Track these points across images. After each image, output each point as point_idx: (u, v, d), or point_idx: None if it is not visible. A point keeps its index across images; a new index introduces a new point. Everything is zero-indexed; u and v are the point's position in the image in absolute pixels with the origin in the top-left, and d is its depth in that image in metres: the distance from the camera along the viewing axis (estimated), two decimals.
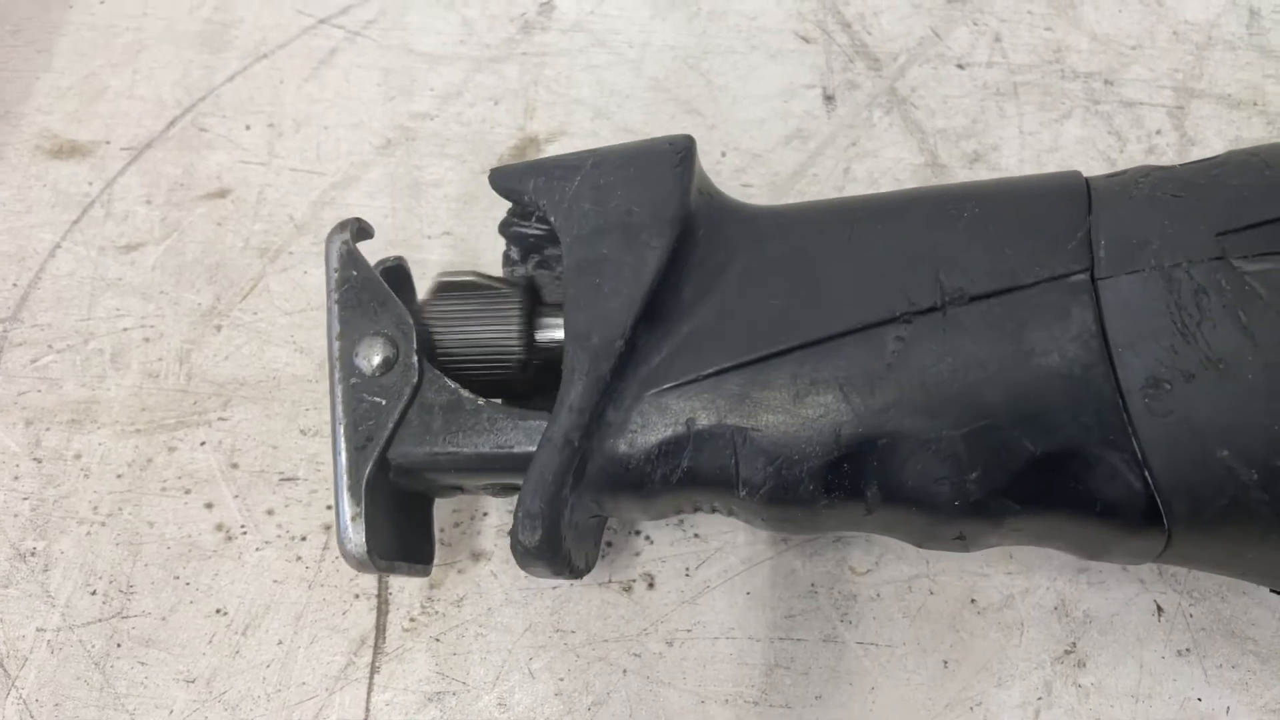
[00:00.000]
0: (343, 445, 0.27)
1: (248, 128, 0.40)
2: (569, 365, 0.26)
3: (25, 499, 0.34)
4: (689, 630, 0.31)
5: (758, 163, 0.38)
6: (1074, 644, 0.30)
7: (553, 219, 0.28)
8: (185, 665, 0.32)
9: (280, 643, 0.32)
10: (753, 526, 0.30)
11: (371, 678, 0.31)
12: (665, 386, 0.26)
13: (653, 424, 0.26)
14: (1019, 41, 0.39)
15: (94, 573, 0.33)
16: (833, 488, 0.25)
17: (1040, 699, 0.30)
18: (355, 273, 0.29)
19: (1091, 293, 0.25)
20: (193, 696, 0.31)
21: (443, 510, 0.33)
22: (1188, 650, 0.30)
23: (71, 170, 0.39)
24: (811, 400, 0.25)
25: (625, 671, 0.31)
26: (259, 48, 0.41)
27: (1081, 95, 0.38)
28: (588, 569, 0.30)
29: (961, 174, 0.37)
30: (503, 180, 0.29)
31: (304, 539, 0.33)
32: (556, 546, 0.26)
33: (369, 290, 0.28)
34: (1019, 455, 0.25)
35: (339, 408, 0.28)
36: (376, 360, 0.28)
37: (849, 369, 0.25)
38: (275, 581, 0.33)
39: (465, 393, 0.28)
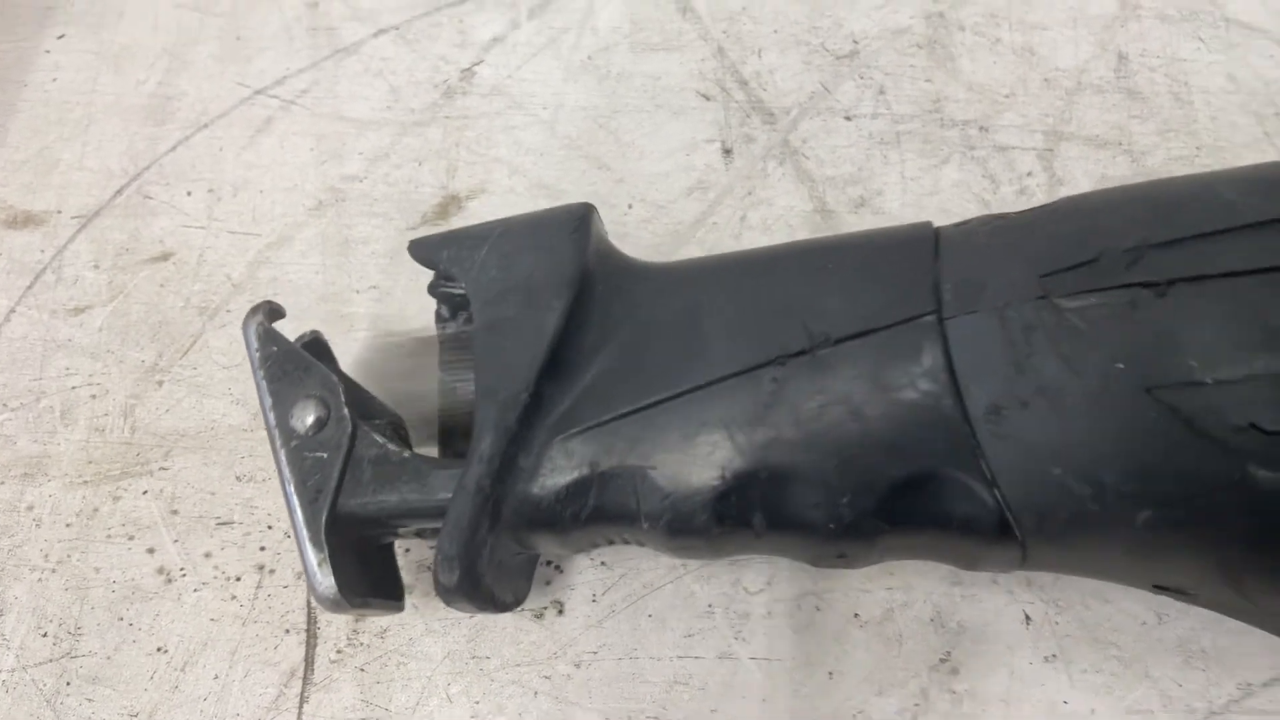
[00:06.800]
0: (297, 503, 0.29)
1: (189, 194, 0.43)
2: (479, 419, 0.29)
3: None
4: (595, 652, 0.34)
5: (662, 213, 0.41)
6: (949, 653, 0.33)
7: (464, 285, 0.31)
8: (129, 701, 0.34)
9: (216, 677, 0.34)
10: (661, 555, 0.33)
11: (301, 707, 0.34)
12: (571, 432, 0.29)
13: (560, 467, 0.28)
14: (901, 93, 0.42)
15: (45, 616, 0.35)
16: (724, 518, 0.28)
17: (917, 705, 0.32)
18: (275, 347, 0.31)
19: (939, 332, 0.27)
20: None
21: None
22: (1054, 656, 0.33)
23: (25, 239, 0.42)
24: (700, 439, 0.28)
25: (536, 693, 0.33)
26: (200, 118, 0.44)
27: (959, 142, 0.41)
28: (517, 602, 0.32)
29: (848, 218, 0.40)
30: (420, 251, 0.32)
31: (238, 579, 0.35)
32: (475, 584, 0.28)
33: (290, 360, 0.31)
34: (883, 479, 0.27)
35: (285, 469, 0.30)
36: (310, 420, 0.30)
37: (732, 410, 0.28)
38: (212, 620, 0.35)
39: (392, 445, 0.30)
